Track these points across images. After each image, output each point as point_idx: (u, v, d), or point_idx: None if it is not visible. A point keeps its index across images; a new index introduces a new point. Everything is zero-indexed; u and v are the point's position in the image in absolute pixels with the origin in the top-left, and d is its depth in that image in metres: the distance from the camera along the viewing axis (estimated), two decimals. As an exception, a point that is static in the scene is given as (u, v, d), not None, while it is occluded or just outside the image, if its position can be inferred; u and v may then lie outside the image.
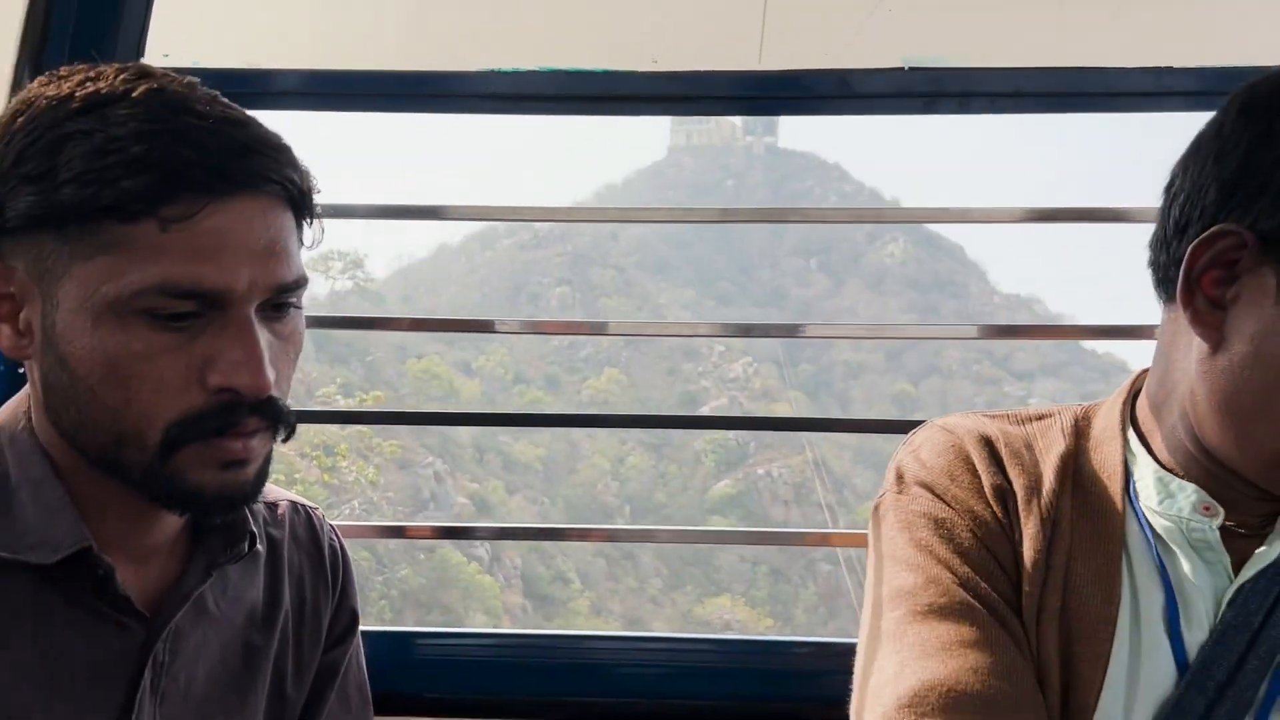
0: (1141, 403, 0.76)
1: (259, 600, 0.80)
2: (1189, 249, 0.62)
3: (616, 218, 1.40)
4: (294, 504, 0.86)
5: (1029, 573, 0.70)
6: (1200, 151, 0.65)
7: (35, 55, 1.09)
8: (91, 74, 0.63)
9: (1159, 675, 0.67)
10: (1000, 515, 0.72)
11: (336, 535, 0.91)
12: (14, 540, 0.66)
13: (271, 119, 0.80)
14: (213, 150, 0.60)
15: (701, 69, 1.06)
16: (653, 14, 1.04)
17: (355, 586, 0.92)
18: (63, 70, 0.65)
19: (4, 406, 0.74)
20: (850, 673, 0.78)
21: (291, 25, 1.16)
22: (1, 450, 0.70)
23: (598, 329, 1.20)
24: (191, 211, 0.59)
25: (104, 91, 0.60)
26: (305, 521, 0.86)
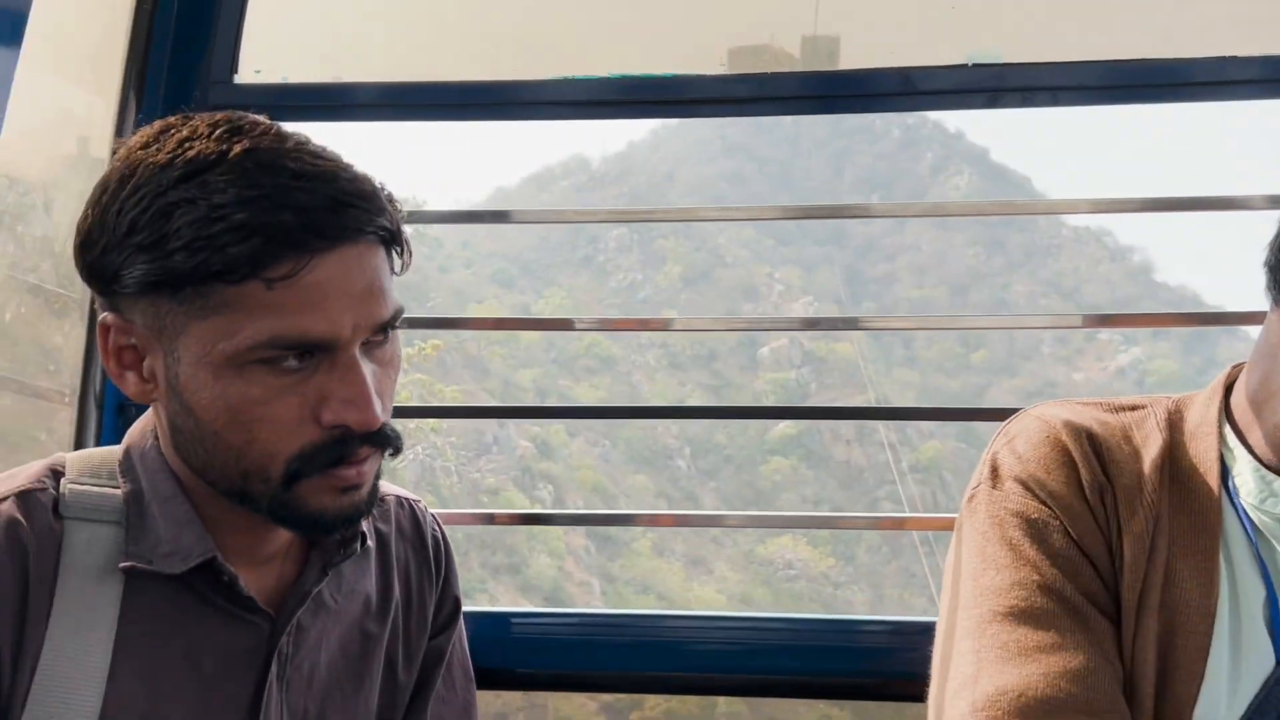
0: (1238, 399, 0.75)
1: (372, 592, 0.84)
2: None
3: (680, 217, 1.37)
4: (399, 498, 0.90)
5: (1130, 569, 0.70)
6: None
7: (139, 72, 1.15)
8: (186, 133, 0.66)
9: (1258, 669, 0.68)
10: (1098, 511, 0.72)
11: (438, 525, 0.94)
12: (148, 551, 0.70)
13: (353, 129, 0.86)
14: (309, 209, 0.63)
15: (766, 70, 1.08)
16: (718, 17, 1.06)
17: (457, 574, 0.96)
18: (157, 126, 0.68)
19: (133, 428, 0.79)
20: (919, 650, 0.80)
21: (370, 39, 1.20)
22: (134, 468, 0.75)
23: (664, 325, 1.24)
24: (295, 270, 0.63)
25: (201, 155, 0.63)
26: (410, 515, 0.90)
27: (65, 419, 1.13)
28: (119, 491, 0.74)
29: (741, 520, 1.11)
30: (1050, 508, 0.72)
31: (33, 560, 0.68)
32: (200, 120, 0.69)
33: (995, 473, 0.76)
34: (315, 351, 0.66)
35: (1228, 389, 0.77)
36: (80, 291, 1.13)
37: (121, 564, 0.70)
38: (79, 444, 1.14)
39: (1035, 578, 0.69)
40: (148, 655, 0.72)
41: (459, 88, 1.16)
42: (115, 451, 0.78)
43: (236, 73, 1.19)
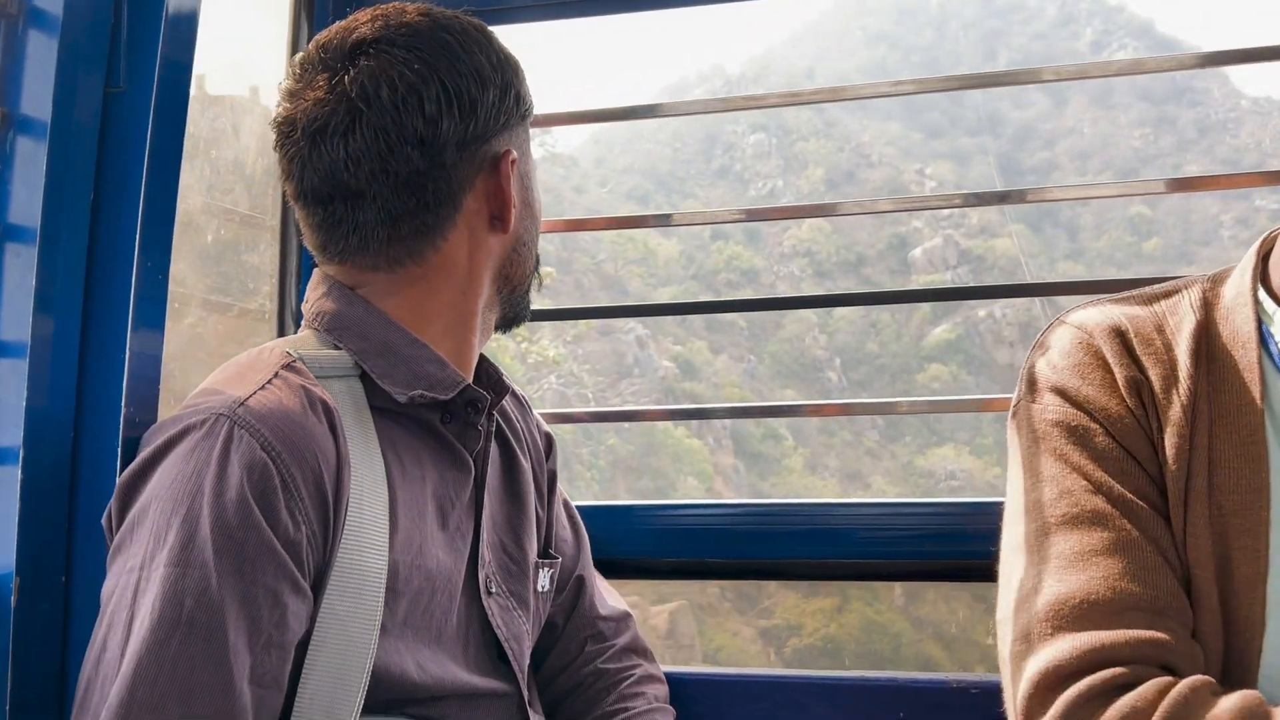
0: (1276, 261, 0.73)
1: (512, 441, 0.92)
2: None
3: (816, 99, 1.11)
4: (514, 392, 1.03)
5: (1173, 459, 0.68)
6: None
7: (307, 9, 1.13)
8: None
9: None
10: (1136, 409, 0.71)
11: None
12: (403, 390, 0.75)
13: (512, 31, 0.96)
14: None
15: None
16: None
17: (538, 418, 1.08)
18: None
19: (317, 303, 0.79)
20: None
21: None
22: (352, 333, 0.76)
23: (793, 212, 1.20)
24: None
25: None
26: (517, 402, 1.01)
27: (266, 332, 1.19)
28: (342, 352, 0.78)
29: (886, 409, 1.02)
30: (1089, 413, 0.71)
31: (333, 417, 0.72)
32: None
33: (1033, 385, 0.76)
34: None
35: (1265, 257, 0.74)
36: (272, 215, 1.19)
37: (410, 393, 0.75)
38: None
39: (1084, 484, 0.68)
40: (411, 507, 0.77)
41: None
42: (306, 332, 0.82)
43: None
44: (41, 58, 0.81)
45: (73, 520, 0.85)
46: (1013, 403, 0.80)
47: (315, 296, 0.83)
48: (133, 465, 0.72)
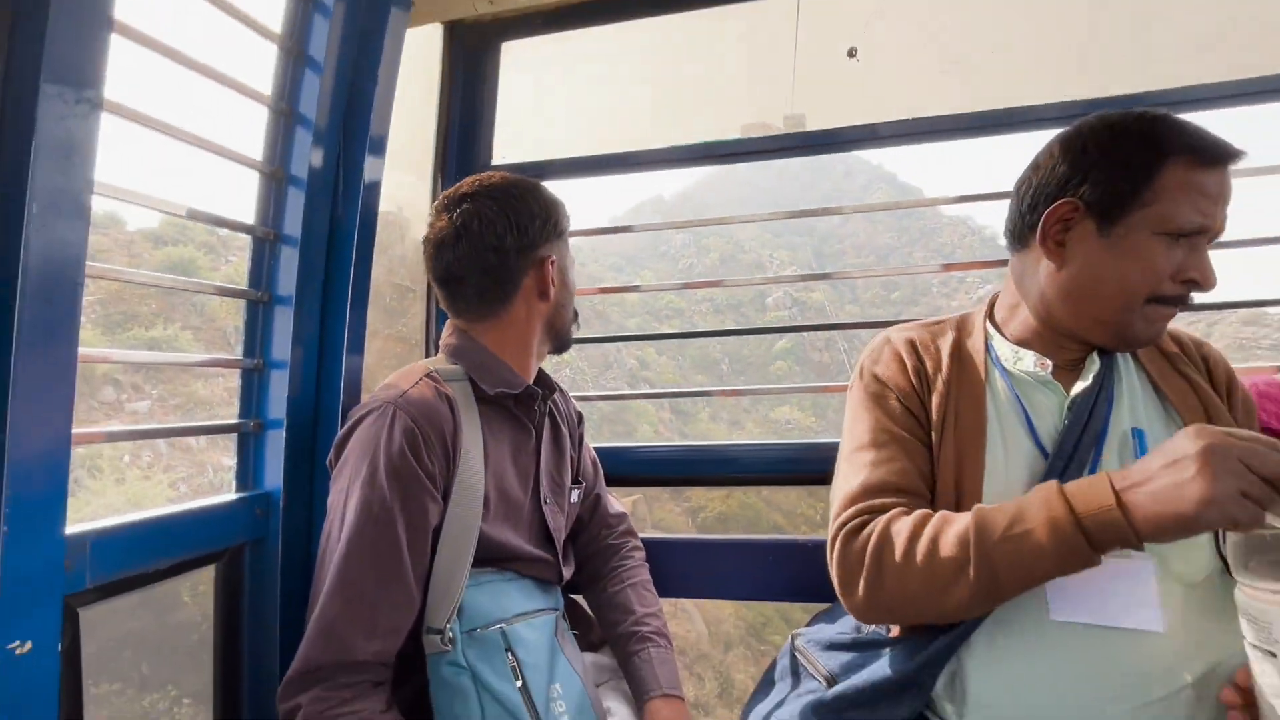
0: (998, 309, 0.95)
1: (558, 415, 1.14)
2: (1044, 214, 0.85)
3: (714, 222, 1.70)
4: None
5: (935, 411, 0.88)
6: (1041, 166, 0.88)
7: (441, 161, 1.65)
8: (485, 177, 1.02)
9: (1027, 459, 0.83)
10: (917, 385, 0.91)
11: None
12: (493, 388, 0.98)
13: (554, 184, 1.47)
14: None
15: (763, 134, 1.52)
16: (736, 109, 1.57)
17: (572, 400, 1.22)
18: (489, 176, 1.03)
19: (443, 342, 1.06)
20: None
21: (556, 136, 1.65)
22: (464, 356, 1.03)
23: (711, 284, 1.68)
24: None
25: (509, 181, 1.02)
26: (562, 395, 1.20)
27: (417, 354, 1.59)
28: (459, 367, 1.02)
29: (755, 392, 1.57)
30: (888, 386, 0.91)
31: (453, 403, 0.95)
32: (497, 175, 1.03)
33: (861, 372, 0.96)
34: None
35: (993, 304, 0.97)
36: (421, 287, 1.60)
37: (492, 391, 0.97)
38: None
39: (879, 425, 0.89)
40: (497, 453, 0.97)
41: (607, 158, 1.62)
42: (438, 357, 1.06)
43: (491, 159, 1.64)
44: (293, 202, 1.15)
45: (314, 462, 1.13)
46: (850, 382, 0.98)
47: (446, 336, 1.04)
48: (343, 429, 0.93)
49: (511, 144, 1.68)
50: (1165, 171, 0.78)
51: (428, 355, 1.60)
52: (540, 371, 1.10)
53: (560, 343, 1.10)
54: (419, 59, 1.63)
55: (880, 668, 0.82)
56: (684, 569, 1.35)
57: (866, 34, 1.44)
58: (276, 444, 1.11)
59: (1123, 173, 0.80)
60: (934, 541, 0.74)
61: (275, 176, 1.11)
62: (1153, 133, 0.80)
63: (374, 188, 1.22)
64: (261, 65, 1.13)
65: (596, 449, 1.33)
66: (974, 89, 1.43)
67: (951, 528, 0.74)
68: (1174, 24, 1.39)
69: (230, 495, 1.06)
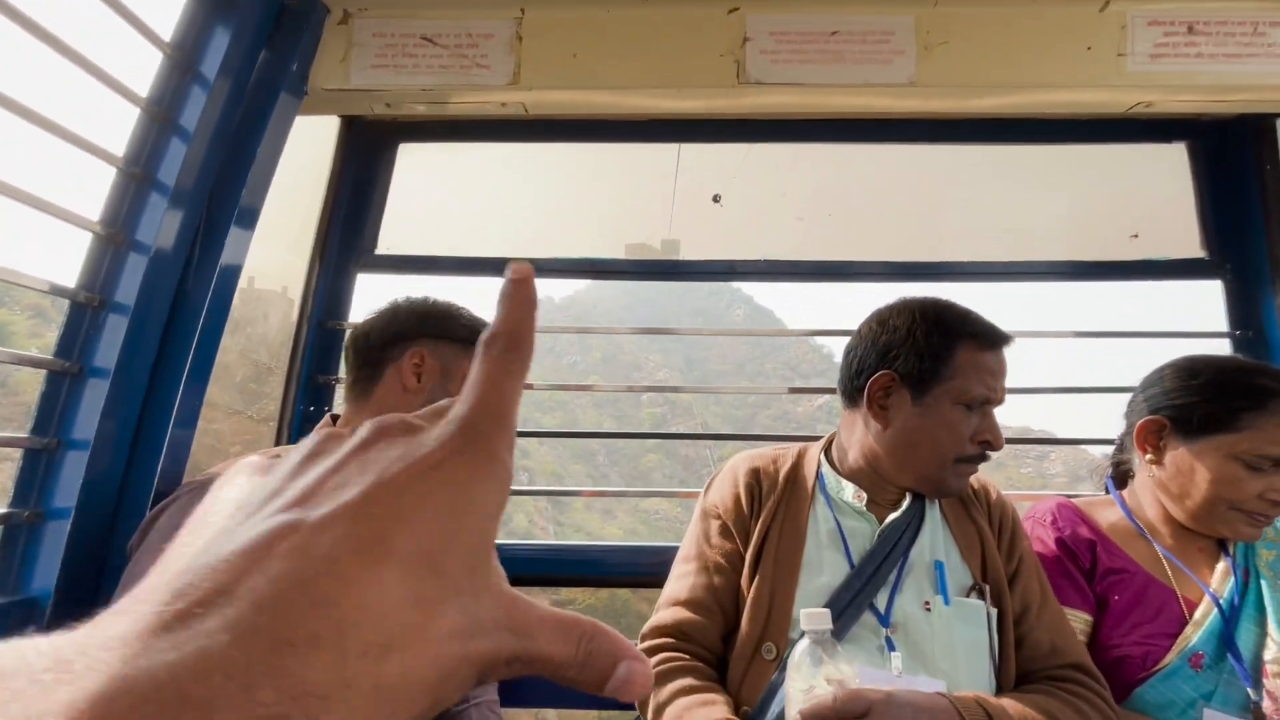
0: (834, 448, 1.04)
1: None
2: (869, 381, 0.96)
3: (601, 330, 1.70)
4: None
5: (761, 527, 0.95)
6: (864, 337, 1.00)
7: (322, 244, 1.55)
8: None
9: (836, 569, 0.91)
10: (746, 507, 0.97)
11: None
12: None
13: (437, 281, 1.44)
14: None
15: (645, 257, 1.61)
16: (621, 229, 1.61)
17: None
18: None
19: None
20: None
21: (444, 232, 1.66)
22: None
23: (583, 387, 1.82)
24: None
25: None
26: None
27: (268, 433, 1.46)
28: None
29: (628, 492, 1.59)
30: (720, 508, 0.98)
31: None
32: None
33: (706, 490, 1.03)
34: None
35: (829, 441, 1.05)
36: (280, 365, 1.48)
37: None
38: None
39: (703, 545, 0.98)
40: None
41: (495, 260, 1.59)
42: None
43: (377, 247, 1.58)
44: (131, 268, 1.01)
45: (106, 558, 0.96)
46: (700, 499, 1.03)
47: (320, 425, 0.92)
48: (152, 510, 0.84)
49: (402, 237, 1.65)
50: (958, 353, 0.92)
51: (278, 440, 1.47)
52: None
53: None
54: (315, 145, 1.57)
55: None
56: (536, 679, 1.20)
57: (731, 184, 1.60)
58: (56, 538, 0.93)
59: (927, 352, 0.93)
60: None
61: (114, 240, 1.00)
62: (946, 320, 0.94)
63: (235, 262, 1.13)
64: (117, 124, 1.04)
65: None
66: (819, 241, 1.61)
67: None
68: (978, 210, 1.65)
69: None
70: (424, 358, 1.01)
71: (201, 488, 0.79)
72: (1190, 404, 0.99)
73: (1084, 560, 1.01)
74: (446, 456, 0.19)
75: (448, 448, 0.20)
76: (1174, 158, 1.52)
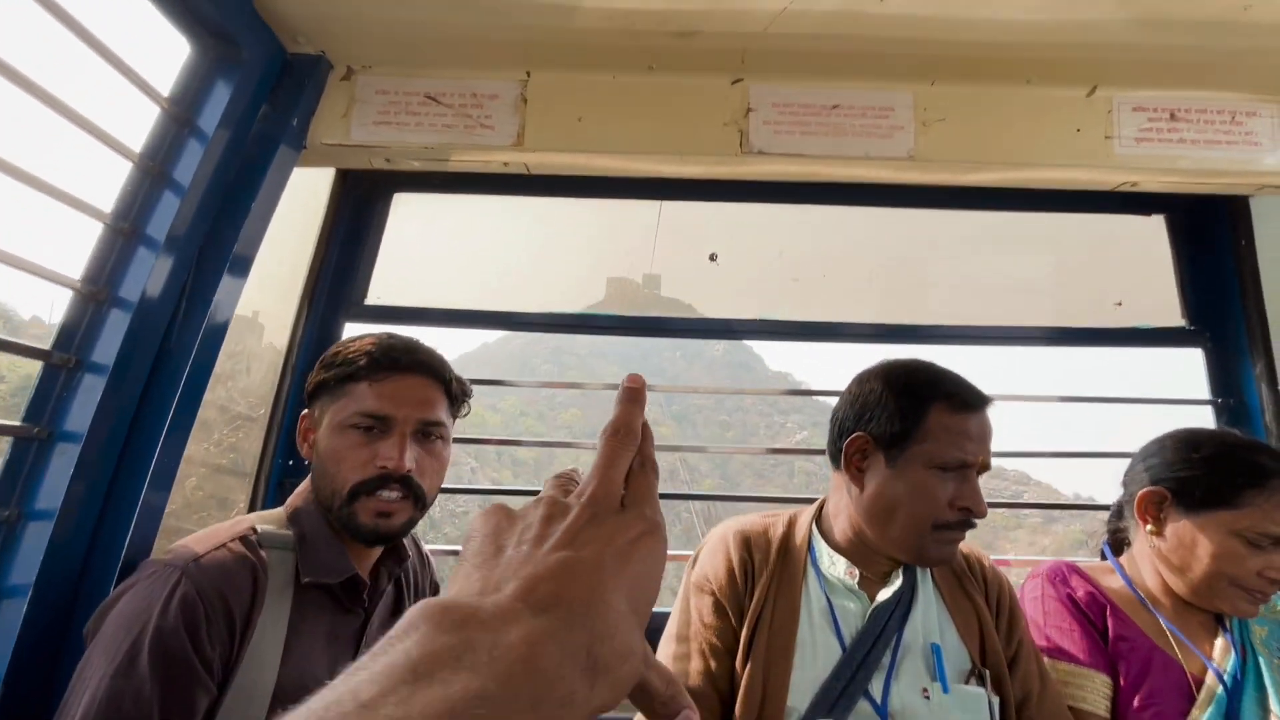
0: (825, 514, 1.00)
1: (403, 586, 0.99)
2: (844, 445, 0.94)
3: (594, 386, 1.64)
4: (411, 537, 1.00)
5: (755, 606, 0.90)
6: (845, 398, 0.99)
7: (310, 294, 1.51)
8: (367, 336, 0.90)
9: (829, 653, 0.87)
10: (740, 581, 0.93)
11: (424, 545, 1.11)
12: (318, 571, 0.83)
13: (423, 330, 1.39)
14: (401, 352, 0.89)
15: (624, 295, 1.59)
16: (603, 266, 1.61)
17: (435, 569, 1.09)
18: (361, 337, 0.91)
19: (290, 499, 0.91)
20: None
21: (431, 285, 1.64)
22: (299, 520, 0.87)
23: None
24: (385, 378, 0.87)
25: (357, 343, 0.89)
26: (413, 541, 1.05)
27: (245, 486, 1.40)
28: (290, 533, 0.86)
29: None
30: (713, 582, 0.93)
31: (258, 576, 0.80)
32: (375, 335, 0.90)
33: (694, 561, 0.98)
34: (383, 425, 0.86)
35: (820, 507, 1.01)
36: (261, 415, 1.42)
37: (303, 579, 0.82)
38: (253, 503, 1.36)
39: (695, 623, 0.92)
40: (306, 638, 0.82)
41: (485, 314, 1.60)
42: (280, 511, 0.90)
43: (367, 297, 1.55)
44: (113, 325, 0.96)
45: (64, 642, 0.88)
46: (688, 564, 1.00)
47: (299, 488, 0.92)
48: (114, 590, 0.76)
49: (392, 286, 1.61)
50: (930, 415, 0.89)
51: (255, 490, 1.40)
52: (393, 544, 0.93)
53: (340, 522, 0.88)
54: (309, 192, 1.54)
55: None
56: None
57: (728, 242, 1.61)
58: (10, 620, 0.84)
59: (899, 414, 0.91)
60: None
61: (95, 298, 0.94)
62: (917, 381, 0.92)
63: (223, 317, 1.08)
64: (107, 177, 1.00)
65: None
66: (812, 301, 1.61)
67: None
68: (968, 274, 1.67)
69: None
70: (308, 421, 0.94)
71: (163, 575, 0.74)
72: (1193, 477, 0.98)
73: (1099, 622, 1.00)
74: (642, 532, 0.29)
75: (641, 528, 0.29)
76: (1156, 229, 1.56)
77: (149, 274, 0.97)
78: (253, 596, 0.78)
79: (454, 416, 0.95)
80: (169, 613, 0.71)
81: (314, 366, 0.92)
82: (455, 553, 1.18)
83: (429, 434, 0.90)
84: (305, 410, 0.92)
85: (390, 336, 0.92)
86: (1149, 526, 1.02)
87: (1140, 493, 1.02)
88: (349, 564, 0.85)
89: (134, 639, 0.69)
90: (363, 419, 0.86)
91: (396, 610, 0.95)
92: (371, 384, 0.87)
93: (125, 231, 0.93)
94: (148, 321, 0.97)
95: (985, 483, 0.95)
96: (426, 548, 1.10)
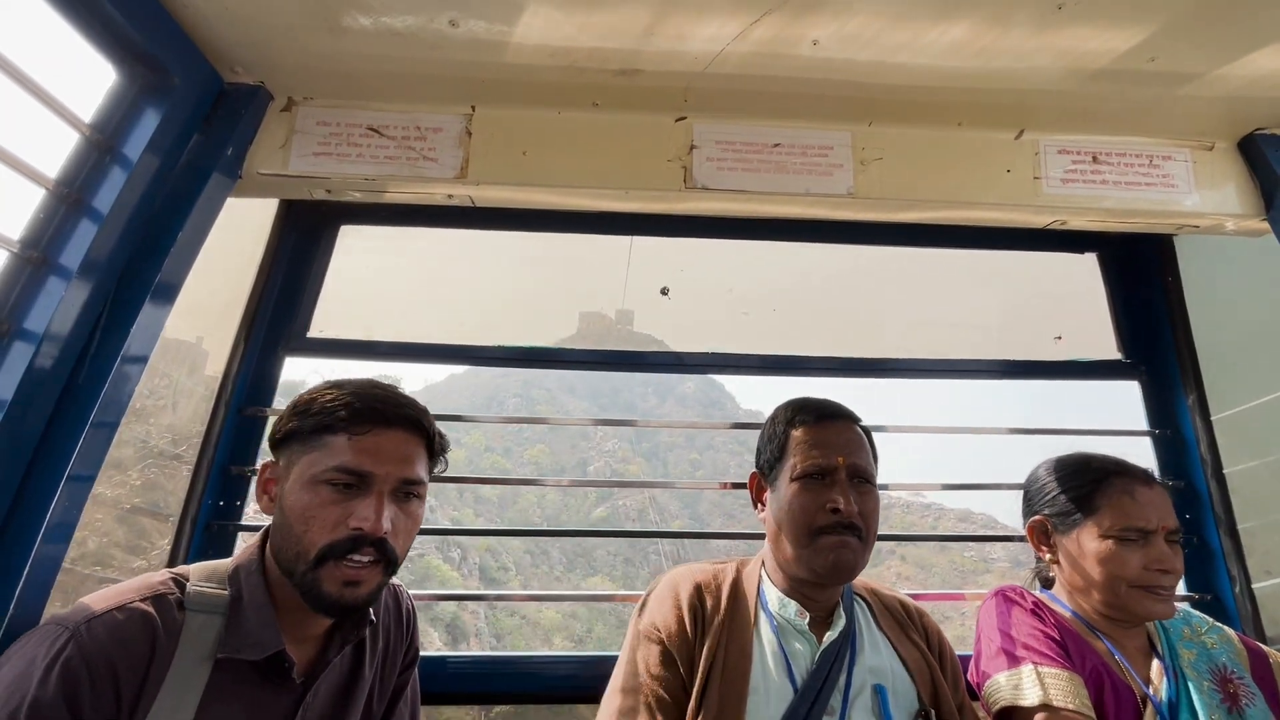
0: (769, 556, 1.02)
1: (364, 649, 0.89)
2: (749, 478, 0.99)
3: (570, 423, 1.70)
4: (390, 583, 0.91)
5: (708, 653, 0.90)
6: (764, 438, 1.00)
7: (249, 326, 1.44)
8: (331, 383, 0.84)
9: (782, 696, 0.88)
10: (690, 628, 0.92)
11: (409, 598, 1.00)
12: (239, 643, 0.76)
13: (374, 365, 1.35)
14: (384, 404, 0.82)
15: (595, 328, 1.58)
16: (574, 299, 1.64)
17: (419, 633, 0.99)
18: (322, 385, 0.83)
19: (241, 551, 0.84)
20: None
21: (381, 318, 1.57)
22: (239, 579, 0.80)
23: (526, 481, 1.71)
24: (365, 432, 0.80)
25: (336, 389, 0.83)
26: (393, 593, 0.97)
27: (167, 529, 1.29)
28: (226, 593, 0.80)
29: (564, 596, 1.49)
30: (661, 630, 0.92)
31: (158, 640, 0.73)
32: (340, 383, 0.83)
33: (642, 607, 0.97)
34: (361, 482, 0.79)
35: (762, 561, 1.02)
36: (186, 452, 1.32)
37: (219, 655, 0.75)
38: (176, 546, 1.29)
39: (641, 673, 0.92)
40: (221, 716, 0.75)
41: (437, 347, 1.54)
42: (227, 564, 0.83)
43: (308, 332, 1.50)
44: (16, 358, 0.89)
45: None
46: (635, 609, 0.98)
47: (255, 539, 0.84)
48: (5, 653, 0.70)
49: (337, 319, 1.57)
50: (790, 436, 1.00)
51: (180, 533, 1.31)
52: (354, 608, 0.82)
53: (302, 589, 0.79)
54: (251, 223, 1.52)
55: None
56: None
57: (679, 277, 1.63)
58: None
59: (772, 443, 1.03)
60: None
61: (4, 332, 0.88)
62: (782, 411, 1.05)
63: (141, 351, 1.03)
64: (17, 202, 0.97)
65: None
66: (765, 335, 1.64)
67: None
68: (915, 309, 1.74)
69: None
70: (272, 472, 0.86)
71: (50, 637, 0.69)
72: (1056, 497, 1.08)
73: (1060, 638, 1.02)
74: None
75: None
76: (1091, 266, 1.62)
77: (58, 305, 0.92)
78: (148, 664, 0.70)
79: (431, 472, 0.89)
80: (49, 683, 0.66)
81: (274, 408, 0.85)
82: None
83: (408, 493, 0.83)
84: (269, 460, 0.84)
85: (372, 385, 0.85)
86: (1047, 556, 1.09)
87: (1027, 526, 1.12)
88: (275, 637, 0.77)
89: (9, 713, 0.64)
90: (339, 475, 0.78)
91: (351, 683, 0.86)
92: (351, 437, 0.79)
93: (34, 260, 0.89)
94: (54, 355, 0.92)
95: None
96: (409, 599, 1.00)
